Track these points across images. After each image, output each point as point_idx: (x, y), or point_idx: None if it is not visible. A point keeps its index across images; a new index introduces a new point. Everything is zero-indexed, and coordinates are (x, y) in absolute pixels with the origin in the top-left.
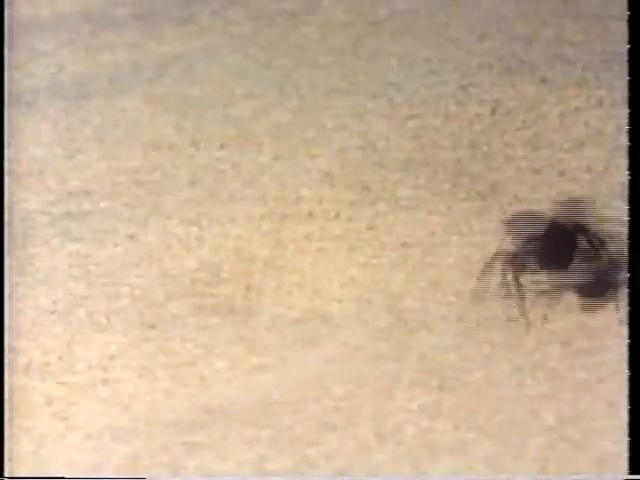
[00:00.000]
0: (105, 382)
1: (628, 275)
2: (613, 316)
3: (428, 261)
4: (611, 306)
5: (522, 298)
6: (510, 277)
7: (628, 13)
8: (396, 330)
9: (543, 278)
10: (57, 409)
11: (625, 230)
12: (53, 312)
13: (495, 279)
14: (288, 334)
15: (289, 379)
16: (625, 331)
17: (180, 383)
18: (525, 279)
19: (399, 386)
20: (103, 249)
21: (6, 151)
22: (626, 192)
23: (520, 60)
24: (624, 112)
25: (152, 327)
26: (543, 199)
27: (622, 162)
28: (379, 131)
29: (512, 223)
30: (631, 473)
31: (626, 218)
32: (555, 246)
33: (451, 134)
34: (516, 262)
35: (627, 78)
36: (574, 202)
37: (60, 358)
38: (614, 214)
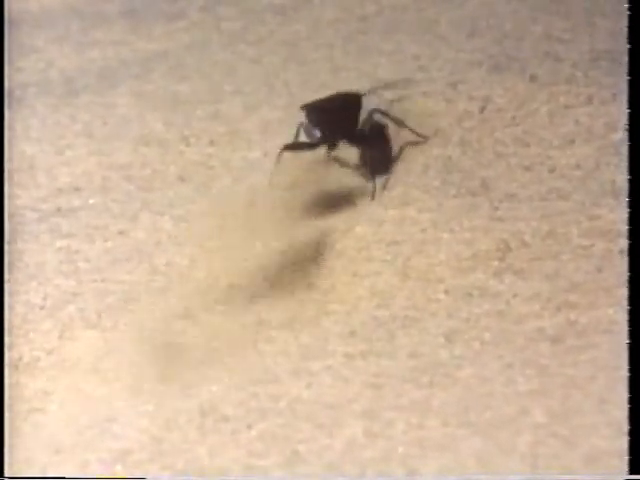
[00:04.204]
0: (95, 378)
1: (628, 275)
2: (604, 313)
3: (418, 258)
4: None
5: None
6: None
7: (628, 13)
8: (386, 326)
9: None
10: (47, 404)
11: (620, 228)
12: (43, 308)
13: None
14: (278, 329)
15: (279, 375)
16: (617, 328)
17: (171, 379)
18: None
19: (389, 382)
20: (93, 245)
21: None
22: (617, 189)
23: (509, 57)
24: (613, 109)
25: (142, 323)
26: (533, 196)
27: (612, 159)
28: None
29: None
30: (631, 473)
31: (625, 217)
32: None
33: (441, 131)
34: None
35: (627, 78)
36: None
37: (50, 354)
38: (604, 211)
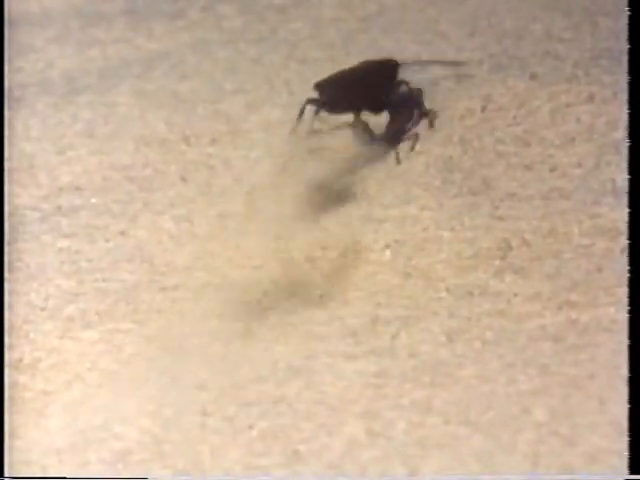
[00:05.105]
0: (96, 378)
1: (629, 274)
2: (604, 313)
3: (419, 257)
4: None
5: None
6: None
7: (629, 14)
8: (387, 326)
9: None
10: (47, 405)
11: (621, 226)
12: (44, 308)
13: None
14: (279, 329)
15: (279, 375)
16: (618, 327)
17: (171, 379)
18: None
19: (390, 382)
20: (94, 245)
21: None
22: (618, 188)
23: (510, 56)
24: (614, 108)
25: (143, 323)
26: (534, 195)
27: (612, 158)
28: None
29: None
30: (631, 472)
31: (626, 216)
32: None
33: (442, 130)
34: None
35: (628, 78)
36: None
37: (50, 354)
38: (605, 210)
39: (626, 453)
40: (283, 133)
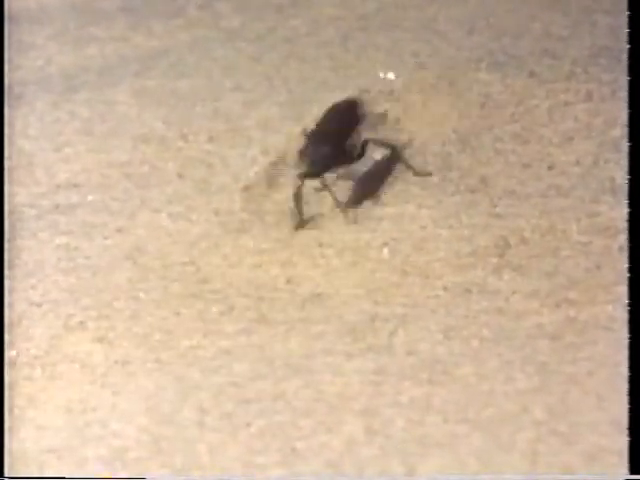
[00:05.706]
0: (94, 376)
1: (627, 272)
2: (603, 310)
3: (417, 255)
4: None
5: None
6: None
7: (628, 10)
8: (385, 323)
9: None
10: (46, 403)
11: (619, 225)
12: (41, 305)
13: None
14: (277, 327)
15: (278, 372)
16: (617, 325)
17: (169, 376)
18: None
19: (388, 380)
20: (92, 242)
21: None
22: (616, 186)
23: (509, 54)
24: (613, 106)
25: (140, 320)
26: (532, 192)
27: (611, 156)
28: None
29: None
30: (631, 472)
31: (624, 214)
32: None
33: (441, 128)
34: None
35: (626, 76)
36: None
37: (49, 352)
38: (604, 208)
39: (626, 453)
40: (281, 134)
